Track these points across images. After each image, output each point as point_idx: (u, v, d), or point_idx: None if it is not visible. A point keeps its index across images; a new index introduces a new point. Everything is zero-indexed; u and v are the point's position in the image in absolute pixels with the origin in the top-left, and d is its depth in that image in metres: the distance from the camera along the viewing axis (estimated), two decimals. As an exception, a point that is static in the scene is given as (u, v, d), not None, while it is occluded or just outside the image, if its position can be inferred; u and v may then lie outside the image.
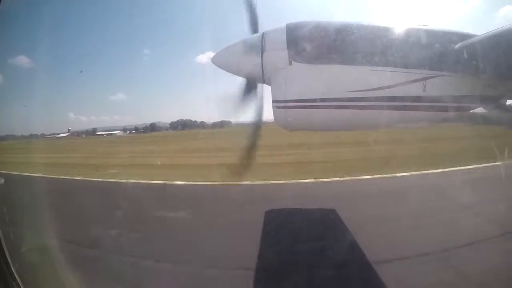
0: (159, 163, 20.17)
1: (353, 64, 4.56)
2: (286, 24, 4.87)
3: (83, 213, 8.43)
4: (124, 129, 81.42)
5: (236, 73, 5.16)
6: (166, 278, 5.44)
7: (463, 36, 4.52)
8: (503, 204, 7.03)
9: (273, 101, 4.80)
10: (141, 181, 13.89)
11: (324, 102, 4.63)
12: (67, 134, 78.24)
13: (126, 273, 5.63)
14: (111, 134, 75.68)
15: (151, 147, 32.40)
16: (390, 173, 11.76)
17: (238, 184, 11.04)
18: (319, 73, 4.70)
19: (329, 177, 12.17)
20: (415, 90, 4.46)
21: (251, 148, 5.42)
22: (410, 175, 11.55)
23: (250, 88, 5.15)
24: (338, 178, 11.96)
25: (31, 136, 42.29)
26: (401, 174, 11.62)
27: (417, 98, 4.52)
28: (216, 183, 12.40)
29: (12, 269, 3.07)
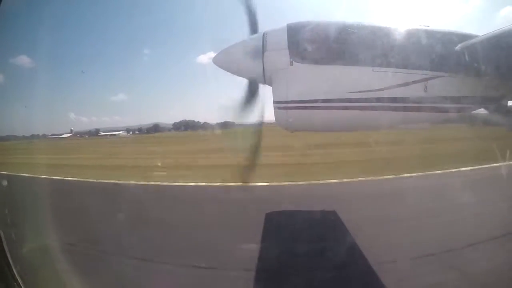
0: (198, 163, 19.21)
1: (354, 65, 4.55)
2: (287, 24, 4.86)
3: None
4: (128, 130, 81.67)
5: (237, 73, 5.17)
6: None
7: (464, 37, 4.50)
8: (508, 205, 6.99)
9: (274, 102, 4.79)
10: (202, 183, 13.06)
11: (325, 103, 4.63)
12: (70, 134, 78.36)
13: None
14: (115, 134, 75.87)
15: (169, 148, 31.72)
16: (392, 175, 11.73)
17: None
18: (320, 73, 4.70)
19: (330, 179, 12.08)
20: (416, 91, 4.45)
21: (255, 149, 5.44)
22: (412, 176, 11.51)
23: (251, 89, 5.15)
24: (338, 180, 11.87)
25: (33, 136, 42.29)
26: (403, 176, 11.59)
27: (418, 99, 4.51)
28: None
29: (14, 270, 3.07)
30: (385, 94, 4.48)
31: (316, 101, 4.64)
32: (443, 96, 4.53)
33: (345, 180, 11.84)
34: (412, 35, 4.63)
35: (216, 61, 5.17)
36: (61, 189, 13.53)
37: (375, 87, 4.49)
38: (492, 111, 4.99)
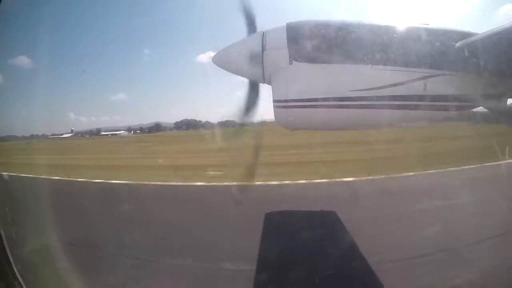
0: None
1: (354, 63, 4.55)
2: (287, 23, 4.85)
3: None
4: (129, 129, 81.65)
5: (237, 72, 5.17)
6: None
7: (464, 35, 4.50)
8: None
9: (274, 101, 4.79)
10: (272, 182, 12.38)
11: (325, 102, 4.63)
12: (71, 134, 78.25)
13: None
14: (116, 134, 75.89)
15: (186, 146, 30.35)
16: (393, 174, 11.75)
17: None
18: (319, 72, 4.69)
19: (330, 178, 12.12)
20: (416, 89, 4.45)
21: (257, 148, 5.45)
22: (413, 175, 11.52)
23: (252, 88, 5.16)
24: (338, 179, 11.91)
25: (32, 136, 42.12)
26: (403, 174, 11.60)
27: (418, 97, 4.51)
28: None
29: (14, 269, 3.10)
30: (385, 92, 4.47)
31: (315, 99, 4.64)
32: (442, 94, 4.52)
33: (345, 179, 11.86)
34: (411, 33, 4.63)
35: (216, 61, 5.17)
36: (76, 191, 13.44)
37: (374, 86, 4.49)
38: (492, 109, 4.99)
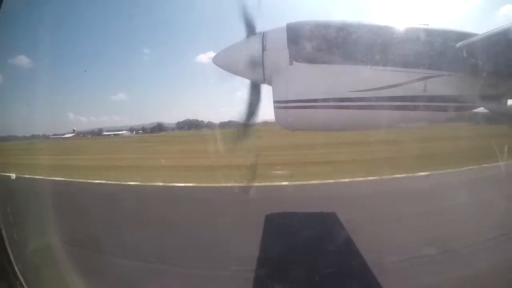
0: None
1: (354, 64, 4.56)
2: (287, 24, 4.87)
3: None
4: (131, 129, 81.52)
5: (237, 73, 5.18)
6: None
7: (464, 35, 4.50)
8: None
9: (274, 101, 4.81)
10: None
11: (325, 102, 4.64)
12: (73, 134, 77.97)
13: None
14: (118, 134, 75.80)
15: (202, 146, 29.14)
16: (393, 175, 11.73)
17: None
18: (319, 73, 4.70)
19: (331, 179, 12.10)
20: (416, 89, 4.45)
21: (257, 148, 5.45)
22: (413, 176, 11.52)
23: (254, 89, 5.17)
24: (339, 180, 11.90)
25: (33, 136, 41.80)
26: (406, 175, 11.60)
27: (418, 98, 4.52)
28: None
29: (16, 268, 3.11)
30: (385, 93, 4.48)
31: (316, 100, 4.65)
32: (442, 95, 4.53)
33: (345, 180, 11.86)
34: (411, 34, 4.63)
35: (216, 61, 5.19)
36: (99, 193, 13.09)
37: (374, 86, 4.49)
38: (492, 109, 4.98)
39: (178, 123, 76.76)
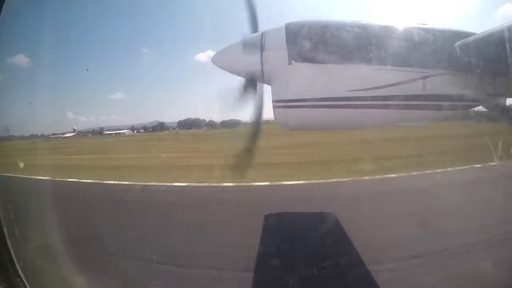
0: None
1: (353, 63, 4.57)
2: (286, 24, 4.86)
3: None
4: (132, 128, 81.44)
5: (236, 73, 5.19)
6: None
7: (462, 35, 4.50)
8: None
9: (273, 101, 4.83)
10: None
11: (324, 102, 4.65)
12: (73, 134, 77.71)
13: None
14: (119, 133, 75.72)
15: (218, 145, 26.84)
16: (394, 174, 11.76)
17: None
18: (318, 72, 4.70)
19: (332, 178, 12.11)
20: (414, 88, 4.47)
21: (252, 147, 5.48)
22: (414, 175, 11.56)
23: (249, 87, 5.19)
24: (339, 179, 11.91)
25: (32, 136, 41.70)
26: (404, 175, 11.64)
27: (417, 97, 4.53)
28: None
29: (17, 266, 3.15)
30: (384, 92, 4.49)
31: (315, 99, 4.66)
32: (441, 94, 4.54)
33: (345, 179, 11.85)
34: (410, 33, 4.62)
35: (215, 61, 5.21)
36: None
37: (373, 86, 4.51)
38: (491, 108, 4.99)
39: (179, 122, 76.71)
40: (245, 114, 5.36)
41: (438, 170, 11.80)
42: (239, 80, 5.17)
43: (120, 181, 14.16)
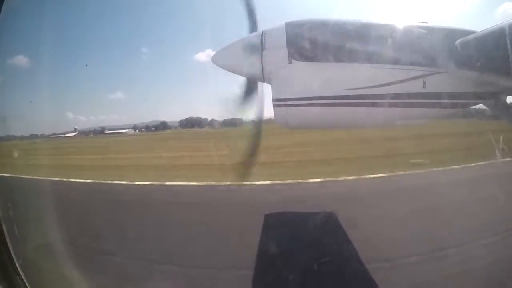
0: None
1: (353, 62, 4.58)
2: (286, 23, 4.87)
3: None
4: (135, 128, 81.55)
5: (236, 72, 5.21)
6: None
7: (463, 33, 4.49)
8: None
9: (273, 100, 4.83)
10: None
11: (324, 100, 4.66)
12: (75, 133, 77.64)
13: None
14: (122, 132, 75.81)
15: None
16: (394, 172, 11.73)
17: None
18: (318, 71, 4.71)
19: (332, 177, 12.04)
20: (414, 87, 4.47)
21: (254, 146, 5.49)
22: (413, 173, 11.52)
23: (250, 87, 5.19)
24: (340, 178, 11.88)
25: (32, 136, 41.68)
26: (404, 173, 11.61)
27: (417, 95, 4.53)
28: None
29: (16, 264, 3.15)
30: (384, 90, 4.49)
31: (315, 98, 4.67)
32: (441, 92, 4.54)
33: (345, 178, 11.83)
34: (410, 31, 4.63)
35: (215, 60, 5.21)
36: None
37: (374, 84, 4.51)
38: (491, 106, 4.98)
39: (181, 121, 76.81)
40: (246, 113, 5.35)
41: (440, 168, 11.74)
42: (239, 80, 5.18)
43: (130, 181, 14.17)
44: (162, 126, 78.90)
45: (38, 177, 14.38)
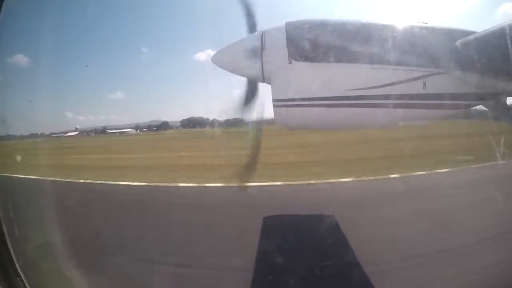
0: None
1: (353, 62, 4.56)
2: (286, 23, 4.85)
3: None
4: (136, 127, 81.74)
5: (236, 72, 5.19)
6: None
7: (463, 33, 4.48)
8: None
9: (273, 100, 4.82)
10: None
11: (324, 101, 4.65)
12: (76, 133, 77.62)
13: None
14: (123, 132, 75.97)
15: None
16: (397, 174, 11.70)
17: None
18: (319, 71, 4.70)
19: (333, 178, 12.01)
20: (415, 88, 4.46)
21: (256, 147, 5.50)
22: (414, 175, 11.47)
23: (251, 87, 5.19)
24: (340, 180, 11.80)
25: (32, 135, 41.76)
26: (405, 175, 11.56)
27: (417, 96, 4.52)
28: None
29: (16, 265, 3.16)
30: (384, 91, 4.49)
31: (315, 99, 4.66)
32: (442, 93, 4.53)
33: (345, 180, 11.76)
34: (410, 32, 4.61)
35: (215, 60, 5.20)
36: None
37: (374, 85, 4.50)
38: (492, 107, 4.97)
39: (182, 121, 76.97)
40: (247, 113, 5.35)
41: (441, 170, 11.72)
42: (239, 80, 5.18)
43: (131, 181, 14.04)
44: (164, 126, 78.99)
45: (38, 177, 14.36)
